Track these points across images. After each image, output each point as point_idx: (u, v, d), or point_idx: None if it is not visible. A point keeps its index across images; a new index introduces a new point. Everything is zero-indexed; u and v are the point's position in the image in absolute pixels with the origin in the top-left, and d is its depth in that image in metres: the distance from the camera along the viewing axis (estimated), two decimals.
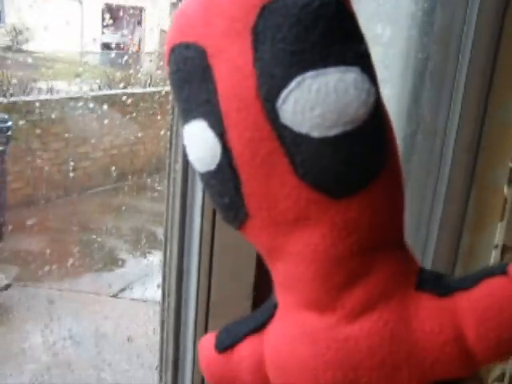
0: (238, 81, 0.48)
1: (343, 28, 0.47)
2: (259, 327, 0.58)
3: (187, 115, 0.53)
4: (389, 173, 0.51)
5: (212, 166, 0.52)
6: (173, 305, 0.88)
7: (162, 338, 0.92)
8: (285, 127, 0.47)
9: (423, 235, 1.28)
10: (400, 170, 0.53)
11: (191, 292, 0.85)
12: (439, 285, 0.53)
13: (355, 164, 0.48)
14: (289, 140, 0.48)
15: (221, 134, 0.50)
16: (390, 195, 0.52)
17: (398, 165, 0.52)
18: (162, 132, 7.68)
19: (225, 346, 0.60)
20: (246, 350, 0.59)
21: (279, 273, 0.55)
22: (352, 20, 0.48)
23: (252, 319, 0.61)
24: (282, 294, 0.57)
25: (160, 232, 6.34)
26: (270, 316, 0.58)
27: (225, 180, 0.52)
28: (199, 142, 0.52)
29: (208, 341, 0.62)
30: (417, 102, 1.20)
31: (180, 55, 0.52)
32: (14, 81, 8.67)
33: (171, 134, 0.84)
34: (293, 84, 0.46)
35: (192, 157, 0.54)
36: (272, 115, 0.47)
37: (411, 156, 1.23)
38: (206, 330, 0.83)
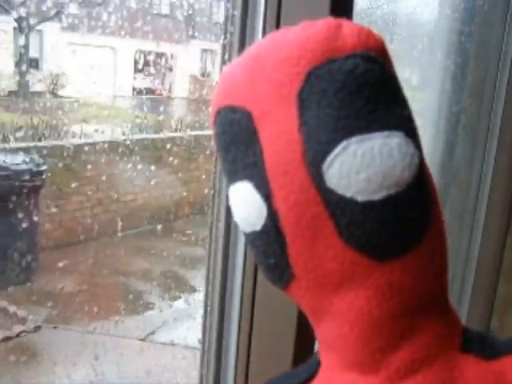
0: (284, 145, 0.49)
1: (387, 93, 0.49)
2: (303, 383, 0.59)
3: (233, 176, 0.54)
4: (433, 235, 0.51)
5: (257, 227, 0.52)
6: (212, 363, 0.88)
7: None
8: (330, 191, 0.48)
9: (458, 284, 1.27)
10: (444, 232, 0.53)
11: (231, 350, 0.85)
12: (485, 347, 0.53)
13: (400, 228, 0.49)
14: (334, 204, 0.48)
15: (266, 196, 0.51)
16: (434, 257, 0.52)
17: (442, 226, 0.53)
18: (191, 176, 7.75)
19: None
20: None
21: (323, 332, 0.56)
22: (395, 84, 0.50)
23: (295, 376, 0.60)
24: (325, 353, 0.57)
25: (189, 276, 6.34)
26: (313, 374, 0.58)
27: (270, 241, 0.52)
28: (244, 203, 0.53)
29: None
30: (450, 154, 1.20)
31: (226, 118, 0.53)
32: (49, 125, 8.88)
33: (214, 193, 0.85)
34: (338, 149, 0.47)
35: (237, 217, 0.55)
36: (317, 179, 0.48)
37: (445, 207, 1.23)
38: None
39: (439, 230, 0.52)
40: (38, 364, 4.68)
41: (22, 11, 18.17)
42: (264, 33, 0.75)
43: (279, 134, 0.49)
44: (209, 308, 0.89)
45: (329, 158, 0.47)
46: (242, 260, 0.82)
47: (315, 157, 0.48)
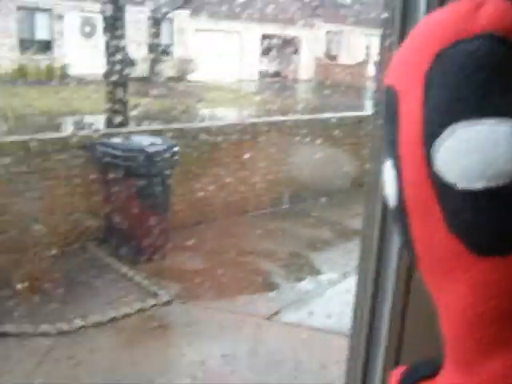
0: (409, 124, 0.49)
1: (505, 79, 0.45)
2: (434, 373, 0.58)
3: (385, 154, 0.55)
4: None
5: (393, 204, 0.54)
6: (362, 352, 0.86)
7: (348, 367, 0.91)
8: (437, 175, 0.47)
9: None
10: None
11: (381, 339, 0.83)
12: None
13: (500, 224, 0.45)
14: (440, 188, 0.47)
15: (398, 174, 0.51)
16: None
17: None
18: (317, 159, 7.73)
19: (407, 383, 0.61)
20: None
21: (440, 321, 0.54)
22: None
23: (432, 363, 0.60)
24: (444, 343, 0.55)
25: (314, 257, 6.36)
26: (442, 364, 0.57)
27: (399, 219, 0.53)
28: (387, 180, 0.54)
29: (395, 375, 0.63)
30: None
31: (383, 96, 0.54)
32: (180, 109, 9.24)
33: (370, 175, 0.83)
34: (446, 132, 0.46)
35: (385, 192, 0.56)
36: (429, 162, 0.47)
37: None
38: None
39: None
40: (168, 336, 4.90)
41: (155, 1, 18.95)
42: (427, 11, 0.73)
43: (408, 113, 0.49)
44: (360, 293, 0.87)
45: (437, 141, 0.46)
46: (397, 245, 0.80)
47: (428, 139, 0.47)
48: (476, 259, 0.47)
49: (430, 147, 0.47)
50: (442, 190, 0.47)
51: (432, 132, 0.47)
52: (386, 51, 0.78)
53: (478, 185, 0.45)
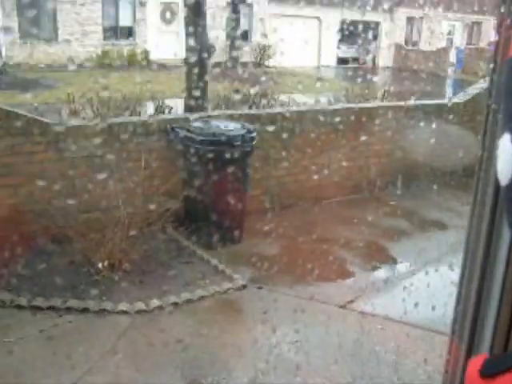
0: None
1: None
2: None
3: (502, 128, 0.52)
4: None
5: (506, 182, 0.51)
6: (463, 353, 0.82)
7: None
8: None
9: None
10: None
11: (486, 336, 0.79)
12: None
13: None
14: None
15: None
16: None
17: None
18: (395, 146, 7.57)
19: (488, 373, 0.60)
20: (503, 383, 0.58)
21: None
22: None
23: None
24: None
25: (391, 247, 6.24)
26: None
27: (509, 196, 0.50)
28: (502, 154, 0.51)
29: (476, 363, 0.63)
30: None
31: (506, 68, 0.51)
32: (258, 94, 9.25)
33: (482, 156, 0.79)
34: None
35: (497, 168, 0.53)
36: None
37: None
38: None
39: None
40: (243, 320, 4.93)
41: None
42: None
43: None
44: (466, 281, 0.83)
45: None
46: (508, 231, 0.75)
47: None
48: None
49: None
50: None
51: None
52: (506, 29, 0.73)
53: None
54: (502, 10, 0.76)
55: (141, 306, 4.72)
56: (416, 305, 4.65)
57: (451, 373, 0.88)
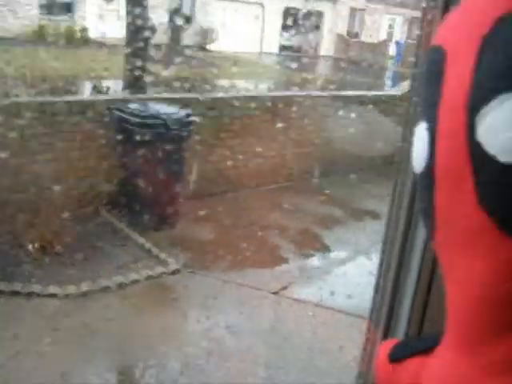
0: (455, 87, 0.46)
1: None
2: (427, 350, 0.58)
3: (420, 116, 0.52)
4: None
5: (419, 169, 0.51)
6: (381, 328, 0.85)
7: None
8: (478, 144, 0.44)
9: None
10: None
11: (402, 317, 0.81)
12: None
13: None
14: (478, 158, 0.44)
15: (432, 138, 0.49)
16: None
17: None
18: (334, 136, 7.68)
19: (396, 357, 0.62)
20: (410, 367, 0.60)
21: (446, 299, 0.53)
22: None
23: (425, 341, 0.60)
24: (446, 322, 0.54)
25: (325, 235, 6.35)
26: (438, 342, 0.56)
27: (424, 186, 0.51)
28: (417, 142, 0.52)
29: (386, 347, 0.64)
30: None
31: (429, 56, 0.52)
32: (198, 78, 9.19)
33: (402, 148, 0.81)
34: (496, 100, 0.43)
35: (412, 156, 0.54)
36: (470, 129, 0.45)
37: None
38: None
39: None
40: (175, 305, 4.92)
41: None
42: None
43: (456, 75, 0.47)
44: (384, 268, 0.85)
45: (485, 108, 0.43)
46: None
47: (474, 105, 0.44)
48: (503, 238, 0.44)
49: (475, 114, 0.44)
50: (479, 160, 0.44)
51: (480, 98, 0.44)
52: (428, 23, 0.75)
53: None
54: (424, 5, 0.79)
55: (71, 289, 4.64)
56: (347, 292, 4.76)
57: (368, 357, 0.91)
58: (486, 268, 0.46)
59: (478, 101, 0.44)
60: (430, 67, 0.51)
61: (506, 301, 0.45)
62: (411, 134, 0.55)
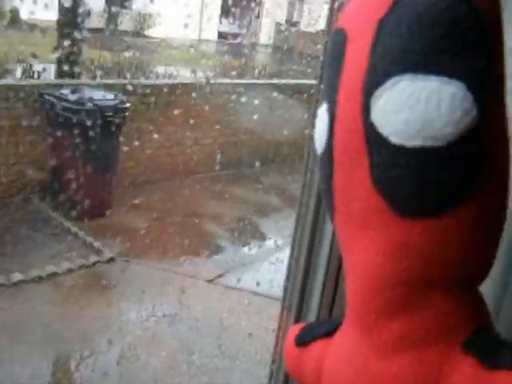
0: (354, 69, 0.47)
1: (464, 37, 0.42)
2: (331, 332, 0.58)
3: (322, 97, 0.53)
4: (476, 207, 0.44)
5: (320, 150, 0.52)
6: (294, 312, 0.86)
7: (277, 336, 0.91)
8: (372, 126, 0.45)
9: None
10: (501, 208, 0.46)
11: (313, 303, 0.83)
12: (490, 353, 0.45)
13: (427, 186, 0.44)
14: (373, 140, 0.45)
15: (332, 120, 0.50)
16: (473, 227, 0.45)
17: (497, 202, 0.46)
18: (271, 125, 7.71)
19: (302, 341, 0.63)
20: (315, 350, 0.60)
21: (346, 278, 0.53)
22: (483, 32, 0.43)
23: (330, 323, 0.61)
24: (346, 302, 0.55)
25: (261, 223, 6.38)
26: (340, 323, 0.57)
27: (324, 167, 0.52)
28: (318, 123, 0.52)
29: (293, 332, 0.65)
30: None
31: (332, 39, 0.52)
32: (135, 64, 9.04)
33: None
34: (389, 82, 0.44)
35: (315, 137, 0.54)
36: (366, 110, 0.45)
37: None
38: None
39: (490, 204, 0.45)
40: (109, 294, 4.87)
41: None
42: None
43: (355, 57, 0.47)
44: (295, 253, 0.86)
45: (379, 90, 0.44)
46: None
47: (369, 86, 0.45)
48: (395, 219, 0.45)
49: (370, 95, 0.45)
50: (374, 141, 0.45)
51: (375, 80, 0.45)
52: (336, 10, 0.76)
53: (413, 143, 0.43)
54: None
55: (1, 279, 4.51)
56: (283, 280, 4.80)
57: (281, 342, 0.92)
58: (381, 249, 0.47)
59: (372, 83, 0.45)
60: (333, 50, 0.51)
61: (400, 281, 0.46)
62: (314, 116, 0.55)
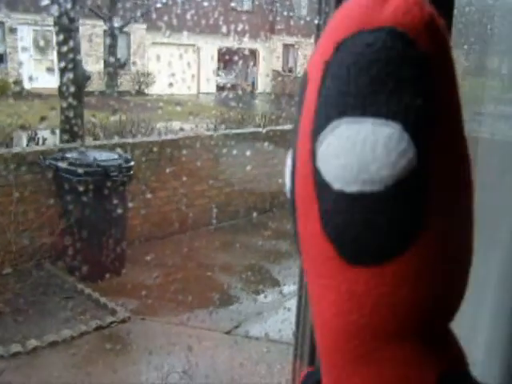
0: (306, 114, 0.46)
1: (399, 76, 0.41)
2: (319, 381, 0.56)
3: (290, 144, 0.52)
4: (425, 249, 0.42)
5: (288, 196, 0.51)
6: (306, 358, 0.85)
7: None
8: (318, 171, 0.44)
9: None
10: (461, 244, 0.45)
11: None
12: None
13: (371, 233, 0.42)
14: (319, 186, 0.44)
15: (294, 166, 0.48)
16: (421, 275, 0.43)
17: (441, 248, 0.43)
18: (272, 171, 7.75)
19: None
20: None
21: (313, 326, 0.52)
22: (418, 68, 0.41)
23: (312, 376, 0.59)
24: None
25: (273, 270, 6.35)
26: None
27: (290, 213, 0.50)
28: (287, 170, 0.51)
29: (302, 376, 0.64)
30: None
31: (301, 79, 0.51)
32: (136, 123, 9.17)
33: None
34: (329, 126, 0.43)
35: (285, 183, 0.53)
36: (313, 156, 0.44)
37: None
38: None
39: (435, 250, 0.43)
40: (127, 353, 4.81)
41: (110, 15, 18.82)
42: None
43: (308, 102, 0.46)
44: (303, 300, 0.86)
45: (321, 135, 0.43)
46: None
47: (314, 132, 0.44)
48: (344, 267, 0.44)
49: (316, 140, 0.44)
50: (320, 188, 0.44)
51: (319, 124, 0.44)
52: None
53: (351, 188, 0.41)
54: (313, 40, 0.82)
55: (16, 347, 4.48)
56: None
57: None
58: (333, 299, 0.45)
59: (317, 128, 0.44)
60: (298, 93, 0.50)
61: (353, 334, 0.44)
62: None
